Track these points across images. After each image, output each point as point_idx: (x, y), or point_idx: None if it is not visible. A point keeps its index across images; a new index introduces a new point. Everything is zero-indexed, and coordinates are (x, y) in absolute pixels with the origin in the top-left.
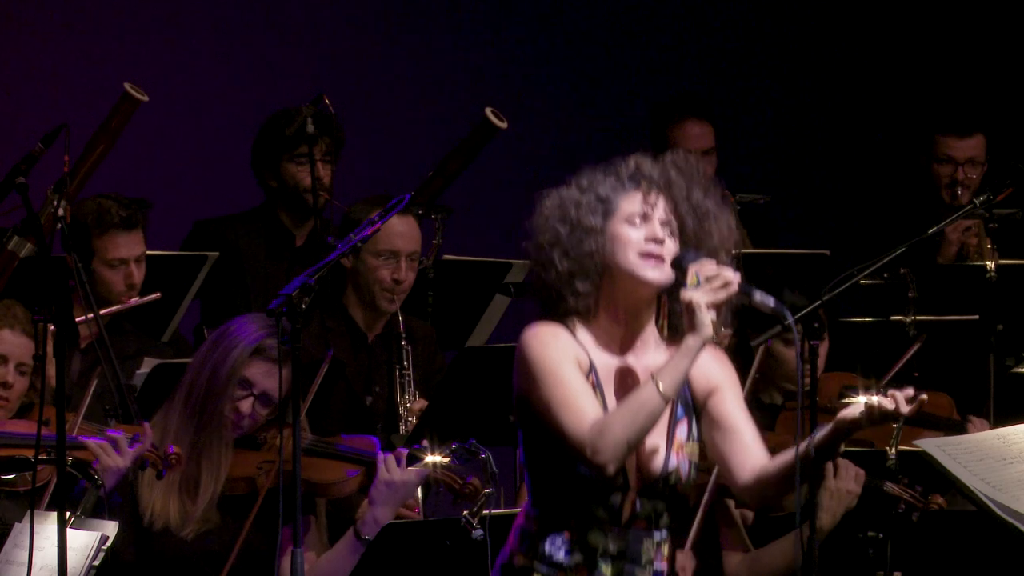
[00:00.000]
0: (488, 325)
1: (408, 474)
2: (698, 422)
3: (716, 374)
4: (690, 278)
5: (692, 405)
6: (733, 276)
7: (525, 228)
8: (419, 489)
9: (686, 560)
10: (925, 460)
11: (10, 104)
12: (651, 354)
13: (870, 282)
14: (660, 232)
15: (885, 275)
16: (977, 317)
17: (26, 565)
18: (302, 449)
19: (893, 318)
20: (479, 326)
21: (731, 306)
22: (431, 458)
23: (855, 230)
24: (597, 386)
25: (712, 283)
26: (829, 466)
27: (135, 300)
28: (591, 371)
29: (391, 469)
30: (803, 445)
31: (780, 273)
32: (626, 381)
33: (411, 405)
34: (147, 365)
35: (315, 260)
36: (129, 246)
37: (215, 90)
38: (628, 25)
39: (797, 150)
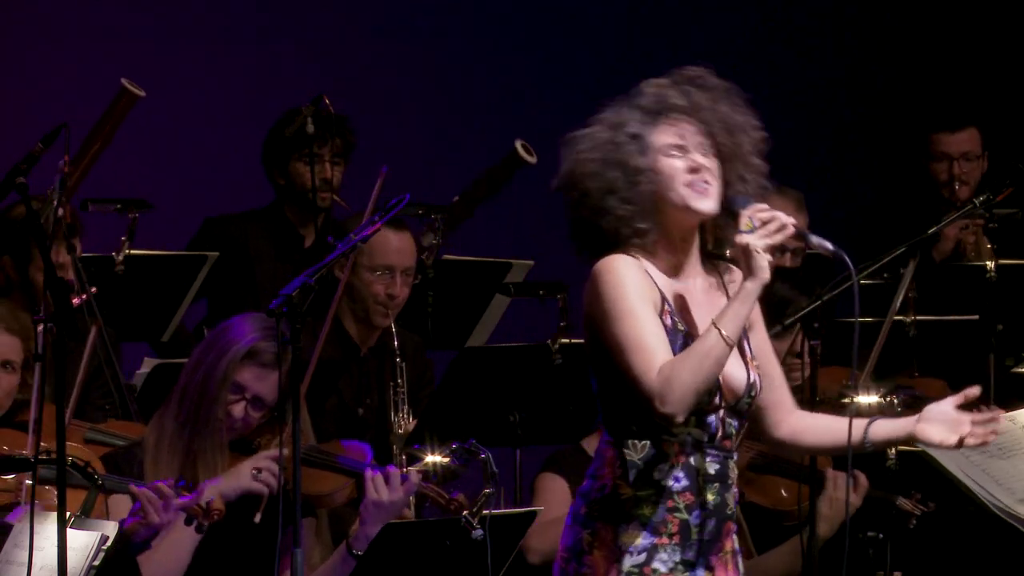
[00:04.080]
0: (488, 325)
1: (397, 493)
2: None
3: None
4: (744, 222)
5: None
6: (788, 219)
7: (563, 178)
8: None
9: None
10: (925, 460)
11: (10, 104)
12: (701, 278)
13: (870, 282)
14: (700, 160)
15: (885, 275)
16: (977, 317)
17: (26, 565)
18: None
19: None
20: (479, 326)
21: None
22: (431, 458)
23: (856, 230)
24: (672, 315)
25: (768, 227)
26: (831, 475)
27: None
28: (663, 301)
29: (380, 489)
30: (858, 434)
31: (780, 273)
32: (689, 308)
33: (406, 426)
34: (147, 365)
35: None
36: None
37: (221, 89)
38: (628, 25)
39: (797, 150)
